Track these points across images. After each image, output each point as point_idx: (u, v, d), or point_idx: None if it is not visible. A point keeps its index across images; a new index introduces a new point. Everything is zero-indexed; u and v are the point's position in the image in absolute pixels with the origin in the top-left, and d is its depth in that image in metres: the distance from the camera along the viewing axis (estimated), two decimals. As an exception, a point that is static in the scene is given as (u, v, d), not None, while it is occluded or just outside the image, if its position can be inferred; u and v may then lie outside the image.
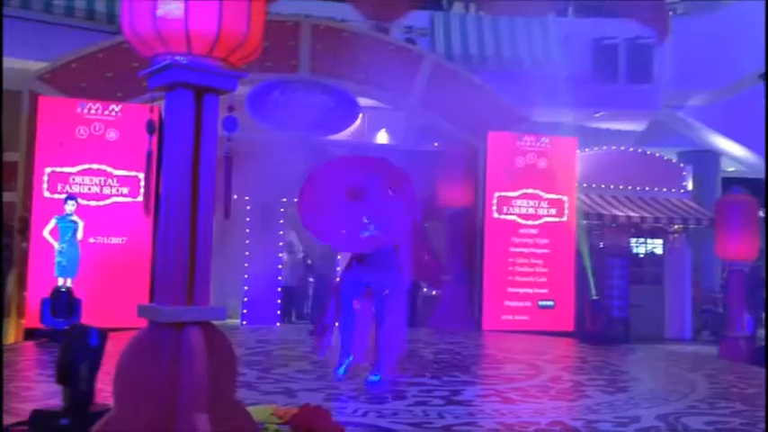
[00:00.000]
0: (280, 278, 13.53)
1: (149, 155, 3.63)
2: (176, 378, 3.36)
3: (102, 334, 4.37)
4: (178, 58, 3.38)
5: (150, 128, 3.61)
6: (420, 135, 15.00)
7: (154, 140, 3.62)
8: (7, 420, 4.63)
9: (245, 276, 12.96)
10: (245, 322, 12.62)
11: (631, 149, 16.53)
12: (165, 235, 3.46)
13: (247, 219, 13.42)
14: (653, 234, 16.54)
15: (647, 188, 15.91)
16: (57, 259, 9.97)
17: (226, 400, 3.54)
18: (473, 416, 5.55)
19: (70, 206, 10.10)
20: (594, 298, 12.36)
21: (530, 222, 12.99)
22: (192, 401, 3.31)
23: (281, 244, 13.87)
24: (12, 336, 10.75)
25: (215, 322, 3.61)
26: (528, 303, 12.81)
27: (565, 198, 13.17)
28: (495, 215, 12.89)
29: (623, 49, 16.60)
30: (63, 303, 9.51)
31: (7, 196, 12.75)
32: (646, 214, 15.16)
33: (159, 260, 3.51)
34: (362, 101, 13.62)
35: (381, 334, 6.78)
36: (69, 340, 4.41)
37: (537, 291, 12.85)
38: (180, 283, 3.43)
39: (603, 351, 9.99)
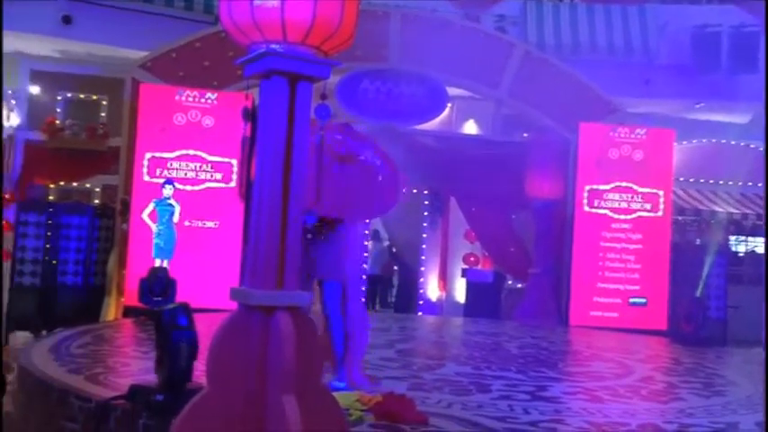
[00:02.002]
0: (365, 266, 13.62)
1: (244, 141, 3.70)
2: (265, 360, 3.43)
3: (188, 312, 4.50)
4: (274, 46, 3.43)
5: (246, 115, 3.68)
6: (509, 125, 14.77)
7: (248, 127, 3.69)
8: (107, 394, 4.86)
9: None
10: (330, 309, 12.78)
11: (733, 143, 15.76)
12: (257, 220, 3.53)
13: (335, 207, 13.57)
14: (754, 232, 15.72)
15: (749, 184, 15.13)
16: (155, 241, 10.40)
17: (313, 384, 3.59)
18: (559, 413, 5.42)
19: (168, 190, 10.50)
20: (699, 296, 11.74)
21: (622, 217, 12.58)
22: (281, 384, 3.37)
23: (366, 232, 13.97)
24: (112, 312, 11.30)
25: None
26: (618, 300, 12.42)
27: (660, 192, 12.68)
28: (586, 208, 12.55)
29: (726, 37, 15.74)
30: (160, 283, 9.90)
31: (110, 179, 13.44)
32: (747, 211, 14.44)
33: (251, 245, 3.59)
34: (451, 90, 13.51)
35: (331, 331, 5.65)
36: (159, 321, 4.58)
37: (628, 287, 12.43)
38: (271, 268, 3.49)
39: (698, 353, 9.58)
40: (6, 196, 13.05)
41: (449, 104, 14.00)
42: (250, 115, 3.69)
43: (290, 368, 3.38)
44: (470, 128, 15.45)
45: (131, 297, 10.48)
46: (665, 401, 6.26)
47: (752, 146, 15.60)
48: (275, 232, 3.51)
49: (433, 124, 13.83)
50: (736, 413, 5.75)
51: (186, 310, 4.58)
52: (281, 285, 3.54)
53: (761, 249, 15.79)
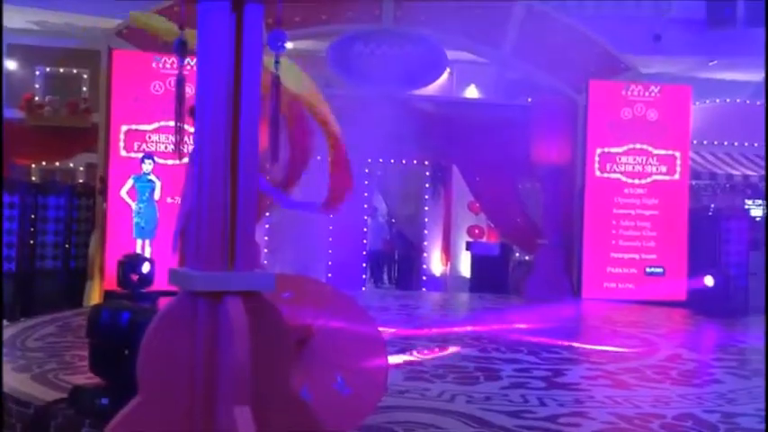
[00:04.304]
0: (365, 242, 12.97)
1: (180, 81, 2.92)
2: (214, 361, 2.70)
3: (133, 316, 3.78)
4: (210, -45, 2.66)
5: (180, 48, 2.90)
6: (512, 90, 13.95)
7: (186, 65, 2.91)
8: (52, 395, 4.16)
9: (330, 240, 12.46)
10: (328, 287, 12.12)
11: (748, 102, 14.93)
12: (198, 182, 2.77)
13: (330, 180, 12.85)
14: (772, 194, 14.96)
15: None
16: (135, 220, 9.72)
17: (278, 389, 2.85)
18: (581, 403, 4.69)
19: (147, 165, 9.82)
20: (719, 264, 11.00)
21: (636, 181, 11.78)
22: (233, 391, 2.63)
23: (365, 207, 13.26)
24: (95, 297, 10.61)
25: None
26: (634, 270, 11.67)
27: (677, 153, 11.87)
28: (598, 173, 11.76)
29: (741, -13, 14.93)
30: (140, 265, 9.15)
31: (93, 157, 12.70)
32: (765, 173, 13.68)
33: (193, 213, 2.83)
34: (451, 55, 12.67)
35: None
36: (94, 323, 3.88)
37: (644, 256, 11.67)
38: (216, 243, 2.74)
39: (724, 324, 8.85)
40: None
41: (448, 69, 13.17)
42: (186, 49, 2.91)
43: (243, 370, 2.64)
44: (471, 94, 14.64)
45: (111, 281, 9.78)
46: (699, 385, 5.51)
47: (769, 104, 14.78)
48: (221, 197, 2.75)
49: (432, 90, 13.02)
50: (783, 397, 5.02)
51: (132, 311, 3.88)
52: (232, 265, 2.79)
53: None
